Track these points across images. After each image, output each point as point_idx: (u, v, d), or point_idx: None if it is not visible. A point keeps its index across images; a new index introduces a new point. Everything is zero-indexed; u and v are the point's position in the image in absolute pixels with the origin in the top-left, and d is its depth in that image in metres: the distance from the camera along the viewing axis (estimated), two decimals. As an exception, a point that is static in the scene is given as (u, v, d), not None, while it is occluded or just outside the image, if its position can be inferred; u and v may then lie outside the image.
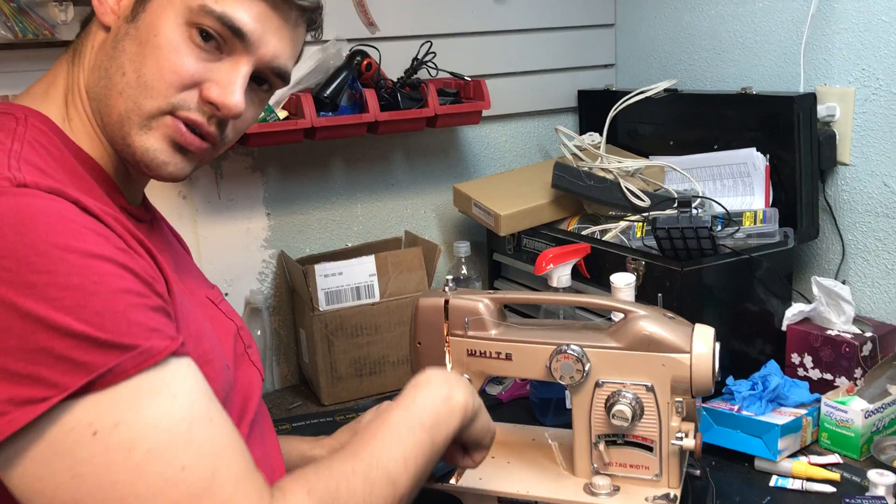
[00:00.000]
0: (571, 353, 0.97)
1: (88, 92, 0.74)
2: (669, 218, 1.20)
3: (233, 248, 1.49)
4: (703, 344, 0.94)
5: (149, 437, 0.60)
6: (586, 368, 0.97)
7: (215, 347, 0.75)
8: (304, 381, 1.54)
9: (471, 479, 1.02)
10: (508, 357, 1.02)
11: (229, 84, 0.73)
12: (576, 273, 1.28)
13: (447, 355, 1.05)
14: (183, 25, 0.70)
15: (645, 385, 0.96)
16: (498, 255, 1.63)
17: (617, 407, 0.95)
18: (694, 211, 1.27)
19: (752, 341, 1.31)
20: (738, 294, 1.29)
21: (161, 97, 0.71)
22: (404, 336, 1.43)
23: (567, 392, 1.25)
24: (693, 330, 0.96)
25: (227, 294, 1.49)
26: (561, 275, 1.23)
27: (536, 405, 1.29)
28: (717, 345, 0.95)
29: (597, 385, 0.98)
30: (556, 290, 1.24)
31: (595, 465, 1.00)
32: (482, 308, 1.03)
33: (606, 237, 1.41)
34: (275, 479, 0.82)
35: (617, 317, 1.09)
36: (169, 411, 0.61)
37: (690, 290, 1.22)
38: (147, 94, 0.71)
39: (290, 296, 1.55)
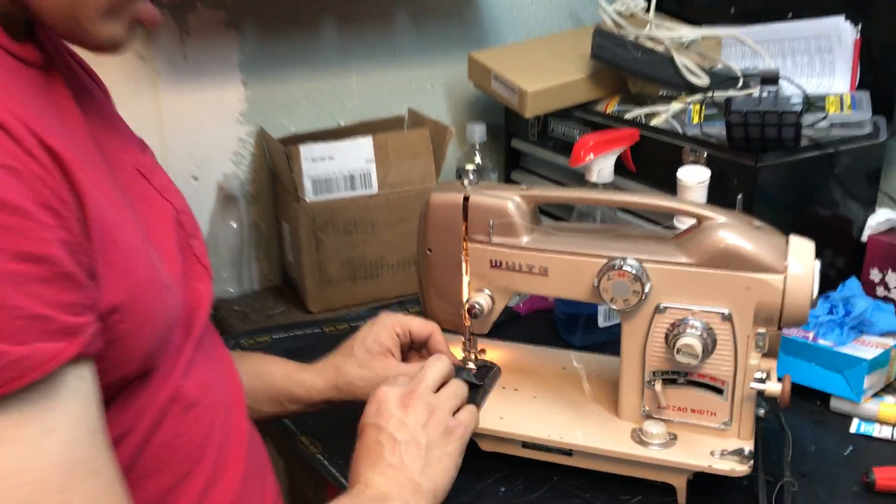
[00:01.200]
0: (628, 269, 0.75)
1: None
2: (749, 99, 0.95)
3: (202, 123, 1.25)
4: (799, 263, 0.73)
5: (1, 491, 0.43)
6: (646, 289, 0.75)
7: (150, 267, 0.54)
8: (288, 282, 1.33)
9: (489, 418, 0.82)
10: (543, 272, 0.80)
11: None
12: (618, 166, 1.05)
13: (464, 266, 0.83)
14: None
15: (721, 313, 0.75)
16: (517, 142, 1.39)
17: (683, 340, 0.74)
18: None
19: (824, 253, 1.10)
20: (811, 196, 1.07)
21: None
22: (406, 235, 1.21)
23: (601, 307, 1.05)
24: (788, 243, 0.74)
25: (195, 178, 1.26)
26: (602, 168, 1.00)
27: (562, 321, 1.09)
28: (818, 263, 0.74)
29: (657, 310, 0.76)
30: (594, 185, 1.01)
31: (647, 408, 0.80)
32: (512, 208, 0.80)
33: (654, 122, 1.17)
34: (232, 402, 0.65)
35: (684, 224, 0.86)
36: (40, 453, 0.44)
37: (762, 191, 0.99)
38: None
39: (271, 182, 1.32)
